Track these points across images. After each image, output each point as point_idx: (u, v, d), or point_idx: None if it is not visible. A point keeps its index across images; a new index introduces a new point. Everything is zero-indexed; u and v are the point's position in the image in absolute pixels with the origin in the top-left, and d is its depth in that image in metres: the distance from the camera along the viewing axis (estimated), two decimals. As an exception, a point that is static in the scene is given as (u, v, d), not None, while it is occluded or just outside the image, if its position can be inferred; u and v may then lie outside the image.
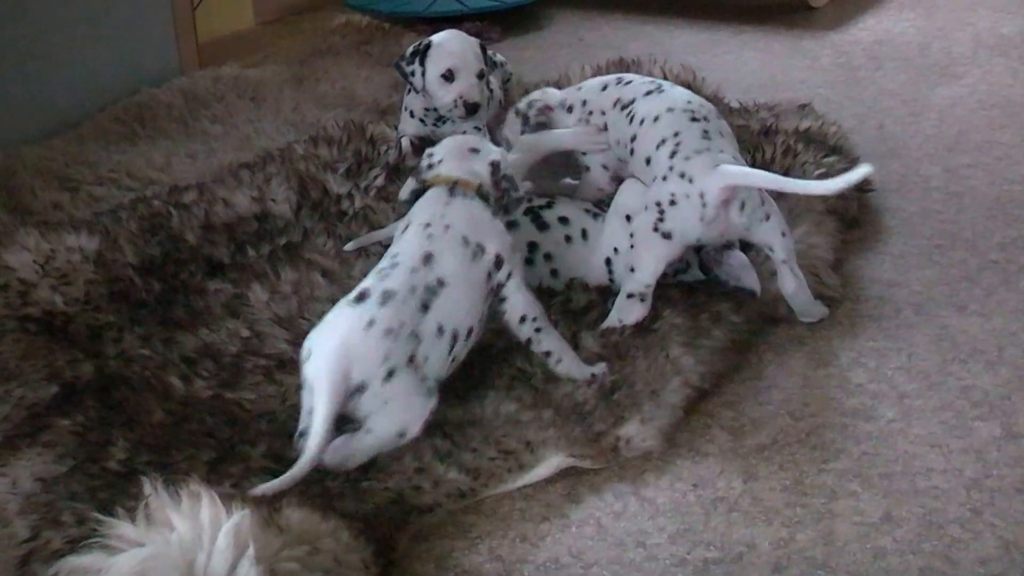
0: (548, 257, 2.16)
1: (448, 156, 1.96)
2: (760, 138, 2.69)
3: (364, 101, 3.25)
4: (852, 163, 2.66)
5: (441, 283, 1.80)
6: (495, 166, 1.95)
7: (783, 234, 2.08)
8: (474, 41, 2.66)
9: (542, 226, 2.17)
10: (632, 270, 2.06)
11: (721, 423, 1.92)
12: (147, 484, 1.57)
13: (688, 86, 3.04)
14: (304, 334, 2.02)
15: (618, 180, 2.25)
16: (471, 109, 2.58)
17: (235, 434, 1.81)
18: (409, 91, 2.73)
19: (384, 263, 1.83)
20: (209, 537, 1.50)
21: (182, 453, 1.76)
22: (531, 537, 1.69)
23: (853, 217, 2.53)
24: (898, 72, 3.54)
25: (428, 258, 1.81)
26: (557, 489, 1.78)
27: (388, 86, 3.31)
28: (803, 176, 2.50)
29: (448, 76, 2.58)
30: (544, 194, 2.26)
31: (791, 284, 2.11)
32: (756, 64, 3.67)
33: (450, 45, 2.61)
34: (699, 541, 1.67)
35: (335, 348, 1.70)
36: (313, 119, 3.11)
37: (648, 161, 2.10)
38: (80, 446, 1.78)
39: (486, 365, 1.93)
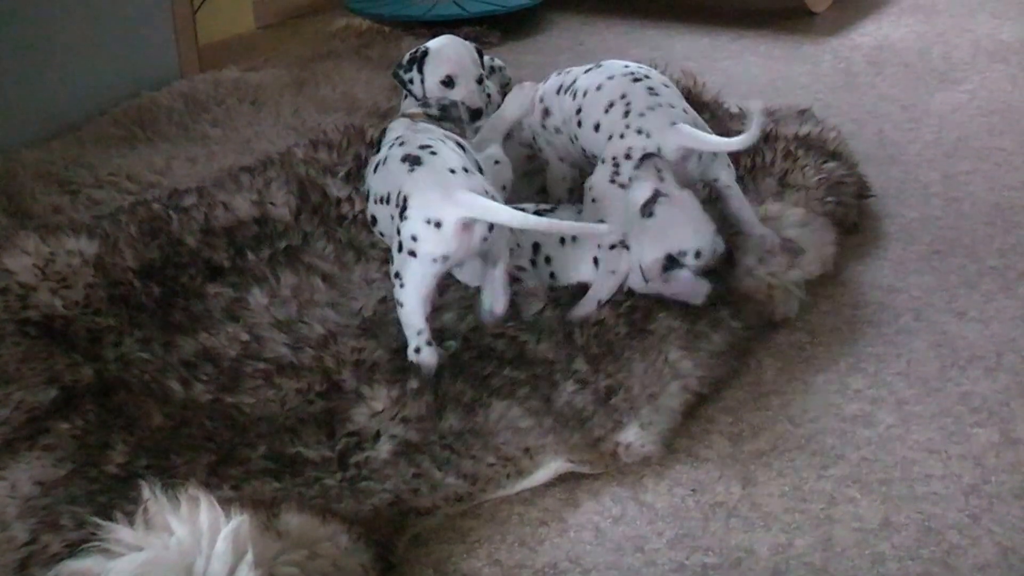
0: (548, 260, 2.17)
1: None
2: (760, 143, 2.69)
3: (364, 105, 3.25)
4: (851, 169, 2.67)
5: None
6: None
7: (728, 166, 2.20)
8: (471, 46, 2.65)
9: None
10: (602, 222, 2.08)
11: (720, 428, 1.92)
12: (146, 488, 1.57)
13: (688, 91, 3.07)
14: (303, 338, 2.04)
15: (575, 166, 2.37)
16: (474, 115, 2.58)
17: (234, 437, 1.82)
18: (406, 96, 2.73)
19: (389, 146, 2.07)
20: (208, 541, 1.50)
21: (181, 457, 1.77)
22: (529, 542, 1.69)
23: (853, 223, 2.54)
24: (898, 78, 3.54)
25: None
26: (556, 494, 1.78)
27: (388, 90, 3.31)
28: (802, 180, 2.51)
29: (448, 83, 2.57)
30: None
31: (735, 202, 2.21)
32: (756, 69, 3.67)
33: (447, 51, 2.59)
34: (698, 546, 1.67)
35: (457, 191, 1.86)
36: (313, 123, 3.11)
37: (597, 127, 2.20)
38: (79, 450, 1.78)
39: (484, 373, 1.92)
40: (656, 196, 2.01)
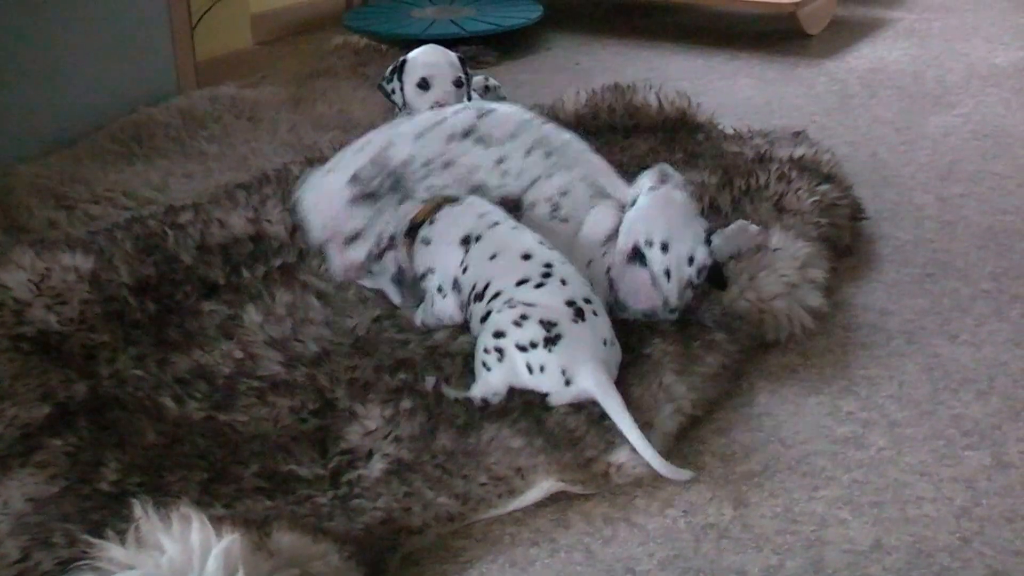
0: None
1: None
2: (754, 165, 2.70)
3: (360, 123, 3.25)
4: (846, 191, 2.68)
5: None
6: None
7: None
8: (450, 53, 2.70)
9: None
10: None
11: (712, 450, 1.92)
12: (137, 507, 1.57)
13: (683, 112, 3.09)
14: (297, 356, 2.04)
15: None
16: None
17: (227, 455, 1.82)
18: (397, 114, 2.76)
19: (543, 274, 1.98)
20: (199, 560, 1.50)
21: (174, 475, 1.77)
22: (520, 562, 1.69)
23: (846, 245, 2.55)
24: (892, 101, 3.56)
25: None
26: (547, 514, 1.78)
27: (384, 108, 3.31)
28: (797, 204, 2.51)
29: (423, 85, 2.65)
30: None
31: None
32: (751, 91, 3.69)
33: (423, 57, 2.69)
34: (689, 568, 1.67)
35: (600, 367, 1.88)
36: (310, 140, 3.12)
37: (520, 173, 2.26)
38: (72, 467, 1.78)
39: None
40: (647, 189, 2.07)
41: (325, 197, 2.34)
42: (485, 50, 4.00)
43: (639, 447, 1.80)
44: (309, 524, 1.65)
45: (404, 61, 2.69)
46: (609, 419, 1.85)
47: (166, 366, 2.05)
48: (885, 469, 1.87)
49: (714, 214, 2.47)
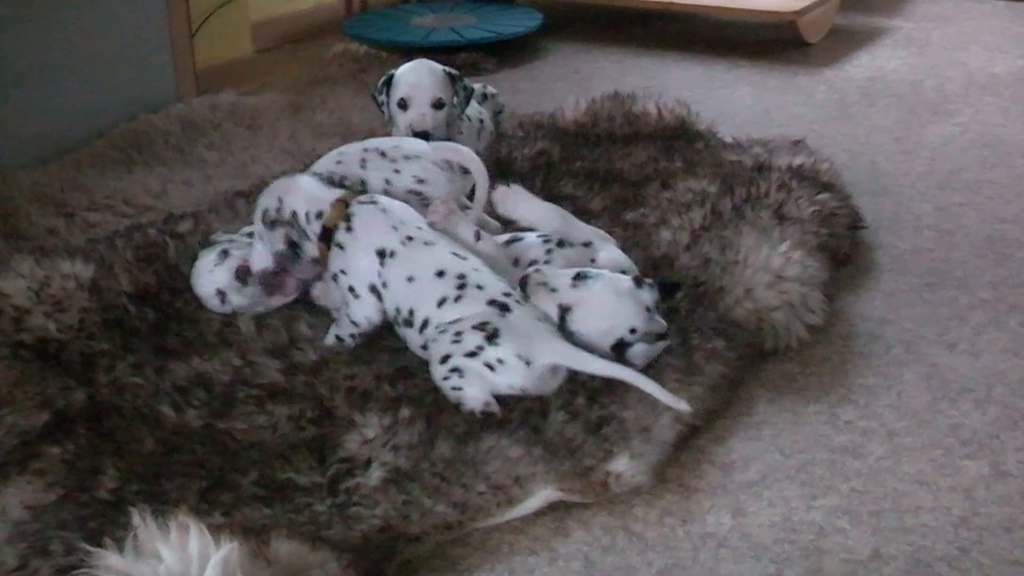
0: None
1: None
2: (754, 173, 2.71)
3: (360, 130, 3.25)
4: (844, 200, 2.68)
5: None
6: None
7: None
8: (437, 70, 2.70)
9: None
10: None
11: (711, 459, 1.92)
12: (136, 515, 1.57)
13: (682, 120, 3.09)
14: (296, 364, 2.04)
15: None
16: (420, 137, 2.63)
17: (225, 463, 1.82)
18: (386, 124, 2.78)
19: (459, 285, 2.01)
20: (197, 569, 1.50)
21: (172, 482, 1.77)
22: (519, 571, 1.69)
23: (845, 254, 2.55)
24: (891, 109, 3.56)
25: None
26: (546, 522, 1.78)
27: (383, 116, 3.32)
28: (797, 212, 2.52)
29: (402, 105, 2.66)
30: None
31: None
32: (750, 99, 3.70)
33: (407, 76, 2.70)
34: (687, 577, 1.67)
35: (553, 337, 1.94)
36: (309, 148, 3.12)
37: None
38: (70, 475, 1.78)
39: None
40: (562, 314, 2.00)
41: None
42: (484, 58, 4.00)
43: (636, 381, 1.88)
44: (307, 532, 1.65)
45: (392, 76, 2.71)
46: (608, 425, 1.85)
47: (165, 374, 2.05)
48: (884, 478, 1.87)
49: (715, 220, 2.47)
